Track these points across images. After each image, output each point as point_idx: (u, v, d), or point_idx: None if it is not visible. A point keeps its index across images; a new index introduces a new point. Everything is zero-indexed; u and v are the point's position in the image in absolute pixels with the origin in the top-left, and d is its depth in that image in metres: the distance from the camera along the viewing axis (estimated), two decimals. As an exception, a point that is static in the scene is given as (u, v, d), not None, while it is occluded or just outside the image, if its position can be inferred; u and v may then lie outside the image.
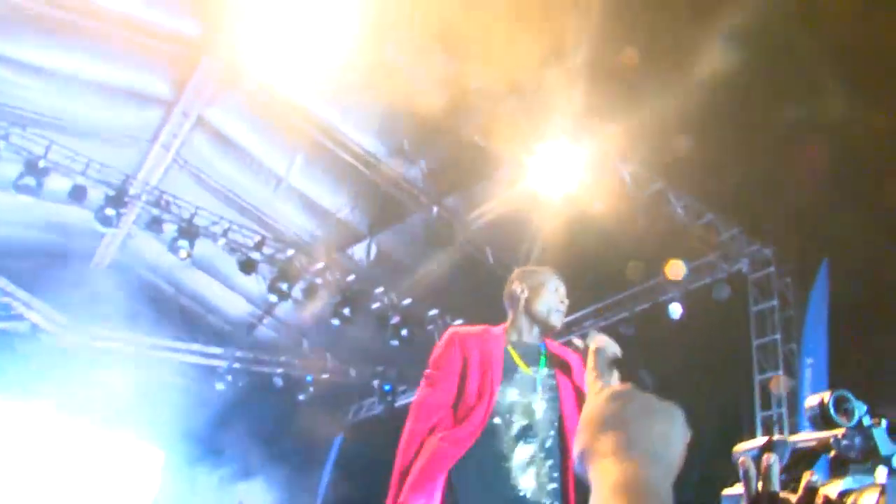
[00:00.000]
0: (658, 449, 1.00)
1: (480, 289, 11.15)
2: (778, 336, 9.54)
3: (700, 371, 8.91)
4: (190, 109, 10.04)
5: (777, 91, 7.48)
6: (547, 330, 3.29)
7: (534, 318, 3.28)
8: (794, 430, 9.00)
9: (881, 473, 1.13)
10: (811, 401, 1.24)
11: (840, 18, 6.62)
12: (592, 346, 2.94)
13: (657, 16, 7.17)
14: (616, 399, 1.05)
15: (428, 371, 3.14)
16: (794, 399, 9.17)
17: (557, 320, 3.28)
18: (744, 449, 1.18)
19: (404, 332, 11.34)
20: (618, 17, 7.17)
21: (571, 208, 9.09)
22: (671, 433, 1.04)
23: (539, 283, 3.34)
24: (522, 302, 3.29)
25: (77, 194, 9.82)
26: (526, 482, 2.90)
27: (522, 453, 2.95)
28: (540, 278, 3.37)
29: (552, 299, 3.30)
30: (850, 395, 1.22)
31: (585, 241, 9.33)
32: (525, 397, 3.08)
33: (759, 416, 9.36)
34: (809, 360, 9.12)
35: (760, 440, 1.20)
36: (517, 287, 3.36)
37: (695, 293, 10.07)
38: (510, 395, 3.07)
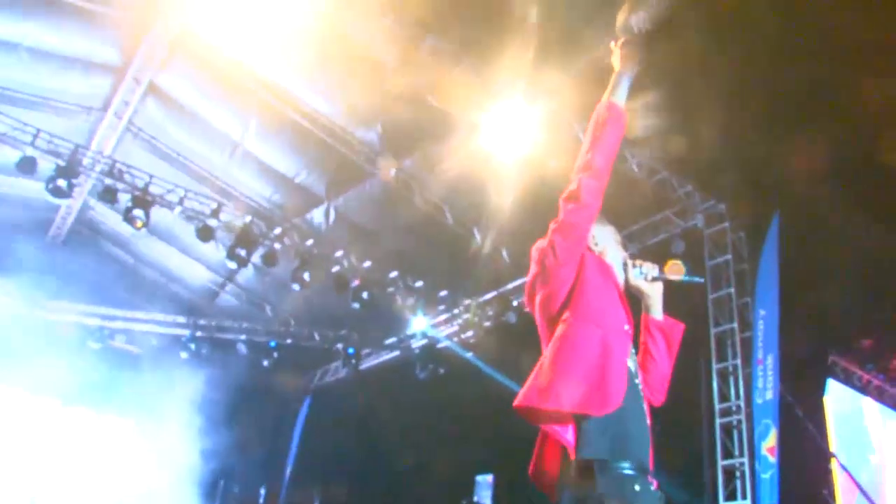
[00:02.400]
0: None
1: (440, 249, 11.26)
2: (732, 289, 9.78)
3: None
4: (141, 76, 9.88)
5: (728, 50, 7.57)
6: None
7: None
8: (747, 381, 9.26)
9: None
10: None
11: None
12: None
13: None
14: None
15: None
16: (748, 350, 9.41)
17: (622, 275, 2.96)
18: None
19: (365, 294, 11.38)
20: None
21: (527, 167, 9.17)
22: None
23: (609, 234, 3.00)
24: (600, 253, 2.95)
25: (26, 166, 9.66)
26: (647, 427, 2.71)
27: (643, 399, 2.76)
28: (608, 228, 3.02)
29: (620, 253, 2.99)
30: None
31: (542, 199, 9.41)
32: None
33: (715, 367, 9.61)
34: (762, 312, 9.35)
35: None
36: (590, 235, 2.93)
37: (651, 248, 10.25)
38: None
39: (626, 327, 2.75)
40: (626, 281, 2.93)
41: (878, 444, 12.15)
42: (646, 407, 2.72)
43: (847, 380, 12.06)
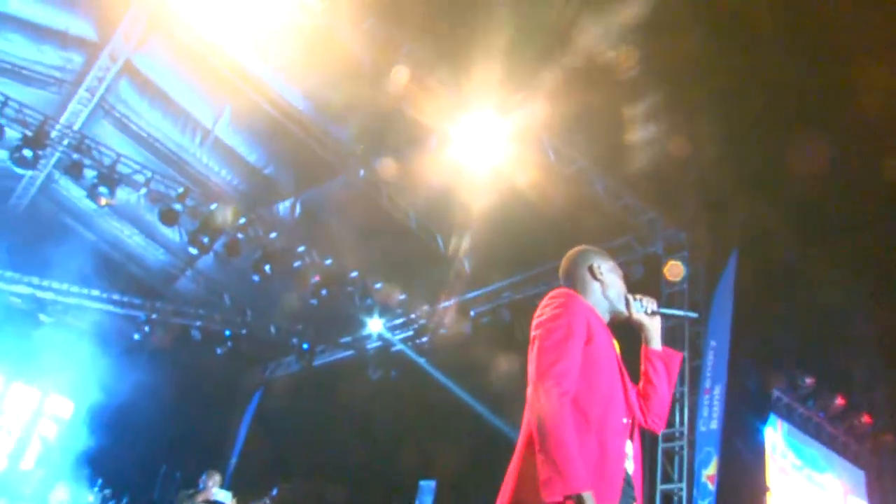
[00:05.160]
0: None
1: (403, 254, 11.32)
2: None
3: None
4: (118, 53, 9.82)
5: (703, 83, 7.72)
6: (613, 318, 2.97)
7: (608, 304, 2.95)
8: (693, 410, 9.41)
9: None
10: None
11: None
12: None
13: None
14: None
15: (559, 332, 2.64)
16: (696, 379, 9.58)
17: (624, 308, 2.97)
18: None
19: (324, 292, 11.39)
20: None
21: (496, 179, 9.27)
22: None
23: (612, 266, 3.00)
24: (603, 284, 2.94)
25: (-8, 132, 9.55)
26: (635, 479, 2.69)
27: (631, 455, 2.74)
28: (611, 261, 3.02)
29: (622, 285, 3.00)
30: None
31: (508, 212, 9.53)
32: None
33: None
34: (713, 343, 9.52)
35: None
36: (596, 265, 2.96)
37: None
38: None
39: (625, 420, 2.71)
40: (628, 315, 2.96)
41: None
42: None
43: (789, 416, 12.30)
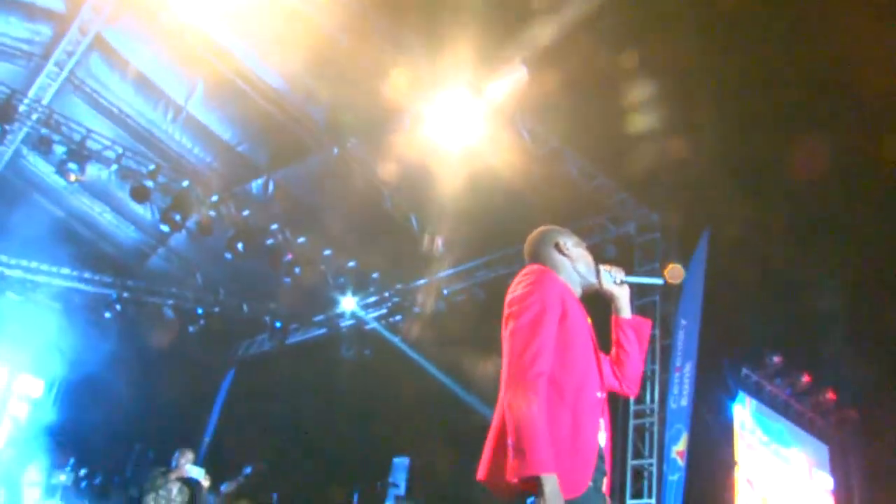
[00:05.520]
0: None
1: (376, 232, 11.32)
2: (657, 298, 10.05)
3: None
4: (87, 27, 9.60)
5: (676, 65, 7.77)
6: (585, 291, 3.01)
7: (579, 278, 2.99)
8: (663, 387, 9.57)
9: None
10: None
11: None
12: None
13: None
14: None
15: (533, 310, 2.65)
16: (667, 357, 9.73)
17: (595, 280, 3.03)
18: None
19: (297, 270, 11.37)
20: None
21: (470, 159, 9.28)
22: None
23: (577, 241, 3.04)
24: (571, 259, 2.98)
25: (-43, 107, 9.39)
26: (606, 453, 2.73)
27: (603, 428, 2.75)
28: (574, 237, 3.06)
29: (590, 258, 3.04)
30: None
31: (482, 192, 9.56)
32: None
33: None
34: (684, 322, 9.68)
35: None
36: (563, 242, 3.00)
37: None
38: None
39: (599, 394, 2.74)
40: (599, 286, 3.03)
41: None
42: (607, 483, 2.74)
43: (757, 393, 12.53)
